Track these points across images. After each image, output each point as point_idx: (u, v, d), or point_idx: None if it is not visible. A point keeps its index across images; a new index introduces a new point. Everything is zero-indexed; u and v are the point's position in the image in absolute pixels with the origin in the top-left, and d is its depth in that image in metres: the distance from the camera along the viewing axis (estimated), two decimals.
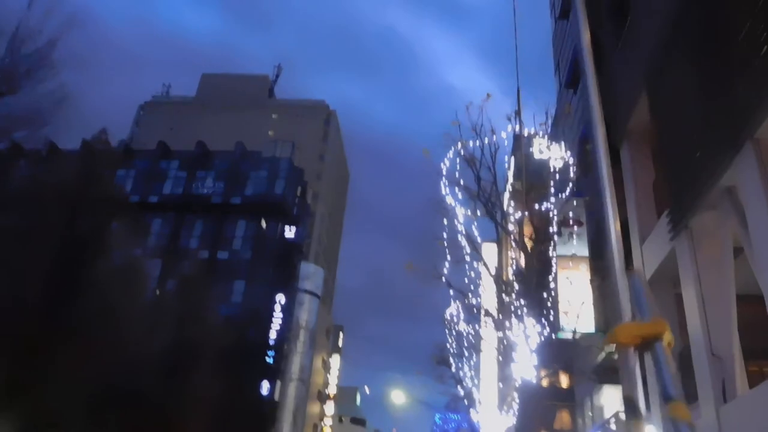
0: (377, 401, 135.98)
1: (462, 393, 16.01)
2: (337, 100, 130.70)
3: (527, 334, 11.10)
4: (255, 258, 43.39)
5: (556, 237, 12.16)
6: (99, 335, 18.93)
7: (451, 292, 12.98)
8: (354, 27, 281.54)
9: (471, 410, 16.34)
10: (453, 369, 16.19)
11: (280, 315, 42.63)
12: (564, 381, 31.47)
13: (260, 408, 39.58)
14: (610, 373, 13.89)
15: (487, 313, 13.54)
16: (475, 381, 17.64)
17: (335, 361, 69.13)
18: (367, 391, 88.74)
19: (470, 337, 16.09)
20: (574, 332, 11.82)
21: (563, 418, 32.04)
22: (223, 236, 44.27)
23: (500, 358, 12.87)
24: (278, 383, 43.99)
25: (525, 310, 11.24)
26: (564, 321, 12.26)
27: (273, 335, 41.81)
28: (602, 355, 13.54)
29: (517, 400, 12.25)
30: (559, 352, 13.08)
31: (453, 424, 31.12)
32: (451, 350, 16.64)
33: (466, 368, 16.02)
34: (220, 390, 28.22)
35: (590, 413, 16.55)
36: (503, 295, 12.76)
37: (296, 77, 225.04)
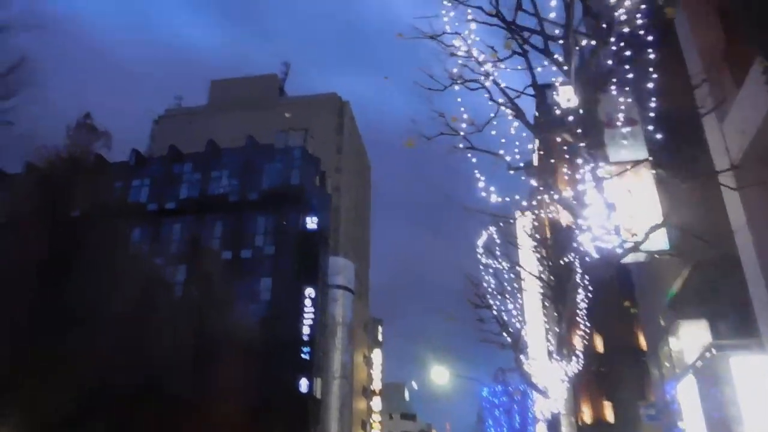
0: (426, 396, 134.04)
1: (509, 339, 13.51)
2: (348, 96, 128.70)
3: (598, 176, 8.21)
4: (279, 253, 41.76)
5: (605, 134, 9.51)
6: (126, 337, 19.18)
7: (474, 160, 9.89)
8: (359, 22, 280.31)
9: (521, 358, 13.76)
10: (494, 311, 13.67)
11: (312, 309, 40.84)
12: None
13: (301, 405, 38.04)
14: (690, 305, 11.38)
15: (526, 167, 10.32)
16: (522, 323, 15.07)
17: (377, 356, 67.31)
18: (415, 387, 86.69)
19: (510, 274, 13.61)
20: (646, 252, 9.23)
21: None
22: (244, 234, 42.76)
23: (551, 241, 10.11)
24: (318, 380, 42.36)
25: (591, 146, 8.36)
26: (627, 241, 9.87)
27: (306, 330, 40.09)
28: (679, 282, 11.07)
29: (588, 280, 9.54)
30: (621, 285, 10.57)
31: (503, 397, 28.83)
32: (489, 289, 13.97)
33: (510, 307, 13.55)
34: (255, 387, 27.09)
35: (667, 363, 13.88)
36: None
37: (305, 77, 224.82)
